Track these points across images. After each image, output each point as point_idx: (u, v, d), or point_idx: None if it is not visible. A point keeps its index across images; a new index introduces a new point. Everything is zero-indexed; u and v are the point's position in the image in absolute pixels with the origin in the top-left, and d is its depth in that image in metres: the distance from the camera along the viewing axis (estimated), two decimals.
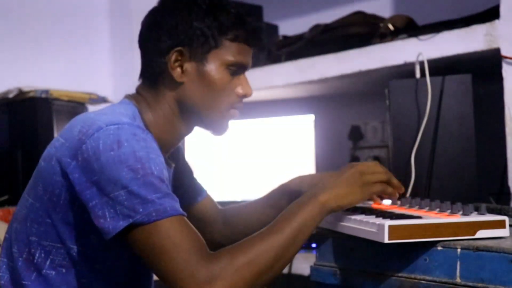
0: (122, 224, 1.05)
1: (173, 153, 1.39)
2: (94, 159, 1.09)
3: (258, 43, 1.30)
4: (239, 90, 1.28)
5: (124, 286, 1.26)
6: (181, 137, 1.32)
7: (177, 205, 1.08)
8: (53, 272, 1.18)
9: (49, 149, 1.20)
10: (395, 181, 1.22)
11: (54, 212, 1.16)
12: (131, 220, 1.04)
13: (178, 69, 1.24)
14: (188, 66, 1.24)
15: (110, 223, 1.05)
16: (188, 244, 1.04)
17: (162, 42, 1.24)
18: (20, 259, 1.20)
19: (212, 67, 1.24)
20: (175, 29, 1.23)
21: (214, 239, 1.49)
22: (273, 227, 1.09)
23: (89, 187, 1.08)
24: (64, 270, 1.18)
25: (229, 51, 1.25)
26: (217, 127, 1.30)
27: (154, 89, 1.27)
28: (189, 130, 1.32)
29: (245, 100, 1.32)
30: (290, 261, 1.10)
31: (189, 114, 1.27)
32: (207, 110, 1.26)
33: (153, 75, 1.27)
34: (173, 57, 1.23)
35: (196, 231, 1.08)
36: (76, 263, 1.18)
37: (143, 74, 1.30)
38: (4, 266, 1.23)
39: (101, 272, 1.21)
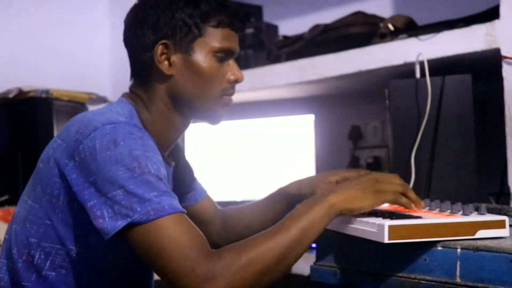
0: (121, 223, 1.04)
1: (173, 152, 1.39)
2: (91, 159, 1.09)
3: (241, 27, 1.29)
4: (230, 76, 1.27)
5: (124, 286, 1.26)
6: (179, 132, 1.31)
7: (176, 202, 1.08)
8: (53, 273, 1.18)
9: (47, 150, 1.21)
10: (412, 194, 1.13)
11: (53, 213, 1.16)
12: (129, 220, 1.04)
13: (166, 62, 1.24)
14: (175, 58, 1.24)
15: (109, 223, 1.05)
16: (188, 241, 1.03)
17: (146, 38, 1.24)
18: (20, 260, 1.20)
19: (199, 56, 1.24)
20: (157, 22, 1.23)
21: (212, 240, 1.49)
22: (279, 227, 1.07)
23: (87, 187, 1.08)
24: (64, 271, 1.18)
25: (214, 38, 1.24)
26: (212, 116, 1.29)
27: (145, 86, 1.27)
28: (186, 124, 1.31)
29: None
30: (295, 261, 1.08)
31: (183, 106, 1.27)
32: (200, 100, 1.26)
33: (142, 72, 1.27)
34: (159, 50, 1.23)
35: (197, 228, 1.07)
36: (76, 264, 1.18)
37: (133, 73, 1.30)
38: (4, 268, 1.23)
39: (101, 272, 1.21)
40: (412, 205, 1.13)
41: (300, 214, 1.08)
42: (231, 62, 1.28)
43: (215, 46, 1.24)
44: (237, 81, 1.28)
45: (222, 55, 1.26)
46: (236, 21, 1.27)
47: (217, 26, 1.24)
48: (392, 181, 1.14)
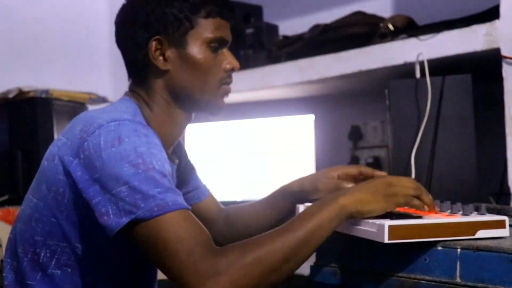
0: (125, 220, 1.04)
1: (176, 150, 1.39)
2: (96, 156, 1.09)
3: (231, 15, 1.30)
4: (226, 65, 1.28)
5: (129, 284, 1.26)
6: (181, 128, 1.31)
7: (180, 199, 1.07)
8: (59, 272, 1.18)
9: (52, 149, 1.21)
10: (426, 198, 1.11)
11: (58, 211, 1.16)
12: (133, 216, 1.04)
13: (160, 58, 1.24)
14: (169, 53, 1.24)
15: (113, 220, 1.05)
16: (191, 238, 1.02)
17: (139, 36, 1.24)
18: (25, 259, 1.20)
19: (193, 48, 1.24)
20: (148, 20, 1.24)
21: (215, 239, 1.49)
22: (287, 226, 1.06)
23: (92, 184, 1.09)
24: (69, 270, 1.18)
25: (206, 29, 1.25)
26: (212, 107, 1.30)
27: (144, 84, 1.27)
28: (188, 118, 1.31)
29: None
30: (302, 262, 1.06)
31: (182, 100, 1.27)
32: (199, 92, 1.26)
33: (139, 70, 1.27)
34: (153, 47, 1.24)
35: (201, 224, 1.07)
36: (82, 262, 1.18)
37: (130, 72, 1.31)
38: (8, 266, 1.23)
39: (107, 271, 1.21)
40: (426, 207, 1.10)
41: (310, 214, 1.07)
42: (225, 51, 1.29)
43: (207, 37, 1.25)
44: (233, 69, 1.29)
45: (216, 45, 1.26)
46: (226, 9, 1.27)
47: (207, 16, 1.25)
48: (406, 185, 1.11)
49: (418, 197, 1.10)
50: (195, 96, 1.26)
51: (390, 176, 1.15)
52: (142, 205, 1.04)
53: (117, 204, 1.05)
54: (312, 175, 1.46)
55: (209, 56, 1.25)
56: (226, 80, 1.29)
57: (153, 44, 1.23)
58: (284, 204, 1.46)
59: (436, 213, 1.13)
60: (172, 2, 1.23)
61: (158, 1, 1.24)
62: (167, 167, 1.12)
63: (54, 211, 1.17)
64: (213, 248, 1.03)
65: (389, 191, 1.09)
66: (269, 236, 1.05)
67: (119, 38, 1.30)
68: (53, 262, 1.18)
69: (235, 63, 1.29)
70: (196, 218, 1.08)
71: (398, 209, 1.16)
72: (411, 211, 1.15)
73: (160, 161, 1.10)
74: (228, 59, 1.28)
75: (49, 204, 1.17)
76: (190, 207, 1.08)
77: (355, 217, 1.09)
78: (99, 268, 1.20)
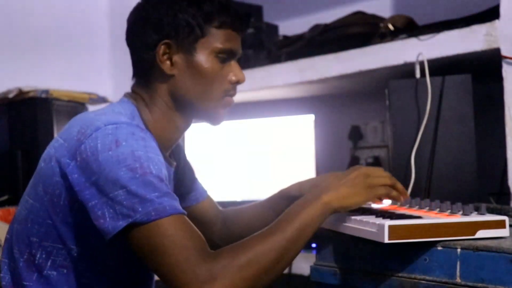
0: (122, 224, 1.04)
1: (174, 152, 1.39)
2: (93, 159, 1.08)
3: (244, 28, 1.30)
4: (232, 77, 1.27)
5: (125, 286, 1.26)
6: (180, 132, 1.31)
7: (177, 204, 1.08)
8: (55, 273, 1.18)
9: (49, 150, 1.20)
10: (400, 186, 1.19)
11: (54, 213, 1.16)
12: (130, 220, 1.04)
13: (167, 62, 1.24)
14: (177, 58, 1.24)
15: (110, 223, 1.05)
16: (188, 243, 1.03)
17: (149, 37, 1.24)
18: (21, 260, 1.20)
19: (201, 57, 1.24)
20: (160, 22, 1.23)
21: (213, 240, 1.49)
22: (275, 227, 1.08)
23: (88, 187, 1.08)
24: (65, 271, 1.18)
25: (216, 39, 1.24)
26: (213, 116, 1.29)
27: (147, 86, 1.27)
28: (187, 124, 1.31)
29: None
30: (292, 260, 1.09)
31: (184, 106, 1.27)
32: (201, 100, 1.26)
33: (144, 71, 1.27)
34: (161, 50, 1.23)
35: (197, 229, 1.07)
36: (77, 264, 1.18)
37: (135, 73, 1.30)
38: (6, 267, 1.23)
39: (102, 272, 1.21)
40: (401, 197, 1.18)
41: (295, 213, 1.09)
42: (233, 63, 1.28)
43: (217, 47, 1.24)
44: (238, 82, 1.28)
45: (224, 56, 1.26)
46: (239, 22, 1.27)
47: (219, 27, 1.24)
48: (380, 175, 1.18)
49: (392, 187, 1.18)
50: (197, 103, 1.26)
51: (364, 168, 1.20)
52: (140, 209, 1.04)
53: (114, 208, 1.05)
54: (311, 180, 1.46)
55: (216, 66, 1.25)
56: (230, 91, 1.28)
57: (162, 47, 1.23)
58: (283, 207, 1.44)
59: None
60: (186, 8, 1.23)
61: (172, 5, 1.23)
62: (164, 171, 1.12)
63: (50, 213, 1.17)
64: (208, 252, 1.04)
65: (368, 182, 1.15)
66: (259, 238, 1.06)
67: (129, 36, 1.29)
68: (49, 263, 1.18)
69: (241, 76, 1.28)
70: (191, 223, 1.08)
71: (376, 202, 1.23)
72: (411, 211, 1.15)
73: (157, 165, 1.10)
74: (234, 71, 1.28)
75: (45, 205, 1.17)
76: (186, 212, 1.09)
77: (339, 212, 1.14)
78: (95, 269, 1.19)
